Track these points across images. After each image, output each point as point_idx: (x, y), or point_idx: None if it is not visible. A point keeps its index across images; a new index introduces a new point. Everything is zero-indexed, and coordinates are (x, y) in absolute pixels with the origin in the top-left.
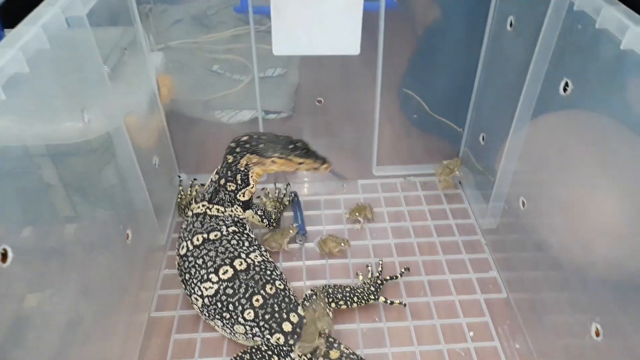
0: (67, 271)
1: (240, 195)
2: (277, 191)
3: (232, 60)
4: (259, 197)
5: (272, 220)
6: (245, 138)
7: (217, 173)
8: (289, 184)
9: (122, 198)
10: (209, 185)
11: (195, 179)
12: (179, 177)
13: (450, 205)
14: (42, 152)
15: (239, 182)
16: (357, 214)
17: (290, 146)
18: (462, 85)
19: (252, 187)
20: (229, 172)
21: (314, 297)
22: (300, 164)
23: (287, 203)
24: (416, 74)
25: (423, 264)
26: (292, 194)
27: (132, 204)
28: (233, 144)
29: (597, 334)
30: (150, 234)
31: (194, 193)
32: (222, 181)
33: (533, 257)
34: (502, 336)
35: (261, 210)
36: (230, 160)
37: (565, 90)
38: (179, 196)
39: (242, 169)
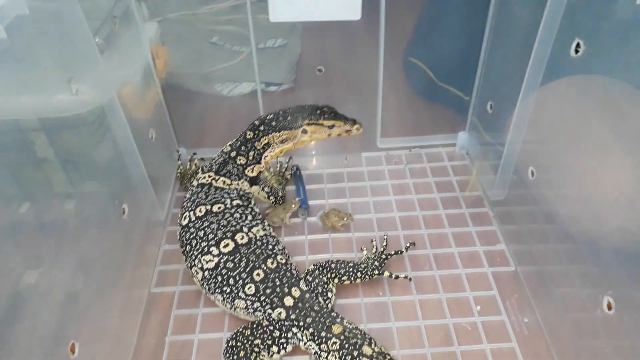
0: (64, 247)
1: (248, 171)
2: (278, 165)
3: (231, 31)
4: (260, 171)
5: (278, 196)
6: (270, 116)
7: (230, 145)
8: (291, 157)
9: (118, 173)
10: (218, 156)
11: (195, 154)
12: (178, 151)
13: (457, 177)
14: (35, 126)
15: (251, 158)
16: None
17: (318, 111)
18: (469, 51)
19: (262, 165)
20: (243, 146)
21: None
22: (331, 127)
23: (288, 177)
24: (421, 40)
25: (429, 237)
26: (294, 167)
27: (128, 178)
28: (257, 122)
29: (610, 308)
30: (148, 209)
31: (194, 167)
32: (233, 154)
33: (542, 229)
34: (509, 310)
35: (268, 186)
36: (249, 136)
37: (577, 51)
38: (179, 171)
39: (260, 147)
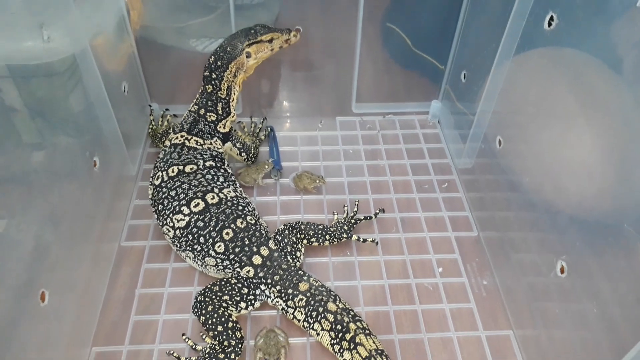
0: (33, 198)
1: (220, 127)
2: (252, 125)
3: None
4: (234, 130)
5: (250, 154)
6: (212, 59)
7: (195, 104)
8: (265, 117)
9: (90, 125)
10: (187, 116)
11: (167, 109)
12: (150, 106)
13: (427, 144)
14: (3, 73)
15: (220, 111)
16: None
17: (252, 31)
18: (447, 20)
19: (233, 116)
20: (208, 102)
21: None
22: (270, 41)
23: (262, 137)
24: (400, 6)
25: (397, 201)
26: (269, 128)
27: (99, 131)
28: (207, 72)
29: (562, 271)
30: (119, 163)
31: (165, 124)
32: (202, 111)
33: (506, 197)
34: (470, 273)
35: (240, 142)
36: (209, 90)
37: (550, 24)
38: (150, 126)
39: (224, 96)
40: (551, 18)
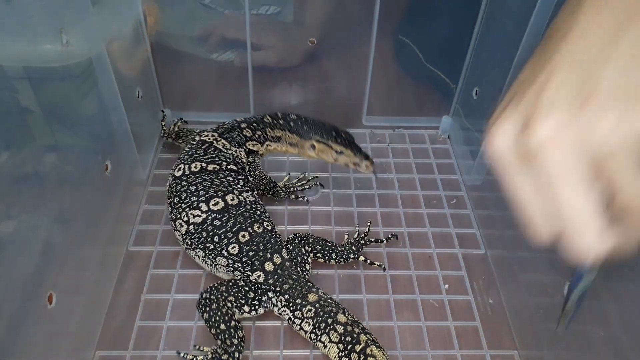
0: (44, 198)
1: (249, 144)
2: (301, 177)
3: None
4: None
5: (262, 189)
6: (293, 117)
7: (245, 119)
8: (322, 185)
9: (103, 128)
10: (229, 122)
11: (181, 118)
12: (163, 111)
13: (437, 160)
14: (20, 74)
15: (257, 136)
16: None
17: (334, 133)
18: (461, 35)
19: (263, 148)
20: (255, 124)
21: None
22: (339, 153)
23: (293, 197)
24: (414, 20)
25: (405, 215)
26: (306, 200)
27: (112, 135)
28: (280, 114)
29: None
30: (130, 167)
31: (176, 129)
32: (244, 125)
33: (514, 216)
34: (476, 290)
35: (260, 171)
36: (267, 120)
37: None
38: (162, 131)
39: (270, 135)
40: None
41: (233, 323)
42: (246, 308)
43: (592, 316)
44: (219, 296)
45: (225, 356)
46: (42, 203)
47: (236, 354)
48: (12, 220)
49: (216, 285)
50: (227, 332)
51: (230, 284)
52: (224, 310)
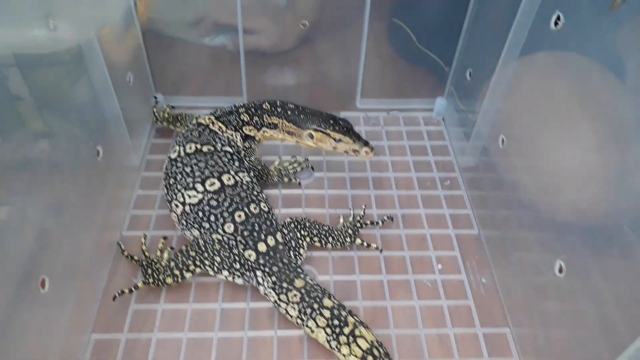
0: (36, 186)
1: (246, 128)
2: (294, 160)
3: None
4: (256, 137)
5: (257, 173)
6: (291, 106)
7: (243, 104)
8: (312, 167)
9: (94, 114)
10: (228, 106)
11: (173, 107)
12: (155, 97)
13: (431, 141)
14: (9, 61)
15: (254, 121)
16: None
17: (331, 121)
18: (454, 17)
19: (259, 133)
20: (253, 109)
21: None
22: (337, 140)
23: (286, 180)
24: (407, 2)
25: (398, 197)
26: (299, 182)
27: (104, 121)
28: (279, 102)
29: (560, 271)
30: (123, 153)
31: (165, 115)
32: (242, 109)
33: (507, 197)
34: (469, 270)
35: (255, 157)
36: (265, 107)
37: (556, 24)
38: (154, 118)
39: (267, 122)
40: (558, 17)
41: (185, 273)
42: (225, 273)
43: (583, 293)
44: (209, 248)
45: (156, 275)
46: (34, 189)
47: (163, 278)
48: (4, 206)
49: (216, 240)
50: (179, 264)
51: (226, 246)
52: (190, 262)
